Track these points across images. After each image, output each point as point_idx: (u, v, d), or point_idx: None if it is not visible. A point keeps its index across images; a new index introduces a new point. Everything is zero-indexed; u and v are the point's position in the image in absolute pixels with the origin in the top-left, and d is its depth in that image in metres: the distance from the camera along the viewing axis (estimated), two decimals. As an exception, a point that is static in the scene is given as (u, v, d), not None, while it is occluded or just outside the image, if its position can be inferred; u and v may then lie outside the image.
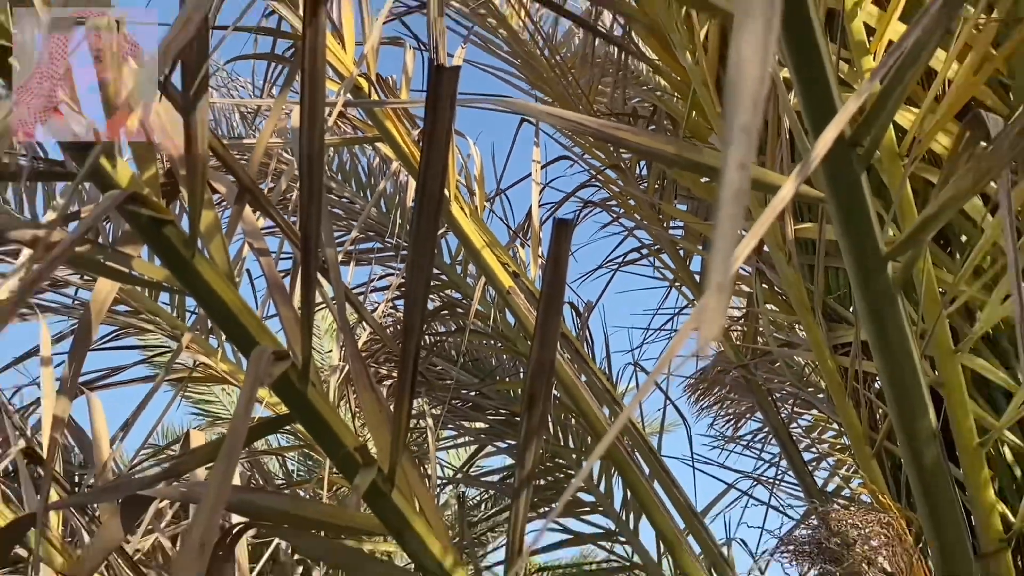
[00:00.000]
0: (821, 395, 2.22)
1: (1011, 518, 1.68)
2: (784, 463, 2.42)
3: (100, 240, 1.39)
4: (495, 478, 3.20)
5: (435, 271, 2.39)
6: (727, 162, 0.37)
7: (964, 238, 1.77)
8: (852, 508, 1.60)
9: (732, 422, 2.76)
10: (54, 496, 1.49)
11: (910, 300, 1.70)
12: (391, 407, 0.94)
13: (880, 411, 1.81)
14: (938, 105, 1.63)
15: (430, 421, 2.44)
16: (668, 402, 2.46)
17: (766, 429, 2.55)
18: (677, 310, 2.88)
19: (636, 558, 2.65)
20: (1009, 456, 1.78)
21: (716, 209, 0.39)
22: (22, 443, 1.40)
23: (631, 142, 0.95)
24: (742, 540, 2.46)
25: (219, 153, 0.95)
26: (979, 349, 1.71)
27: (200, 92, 0.85)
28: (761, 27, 0.44)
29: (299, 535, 1.03)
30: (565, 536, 2.79)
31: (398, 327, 2.82)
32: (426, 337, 2.60)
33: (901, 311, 1.07)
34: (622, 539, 2.59)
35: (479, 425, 2.81)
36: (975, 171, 1.07)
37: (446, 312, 2.75)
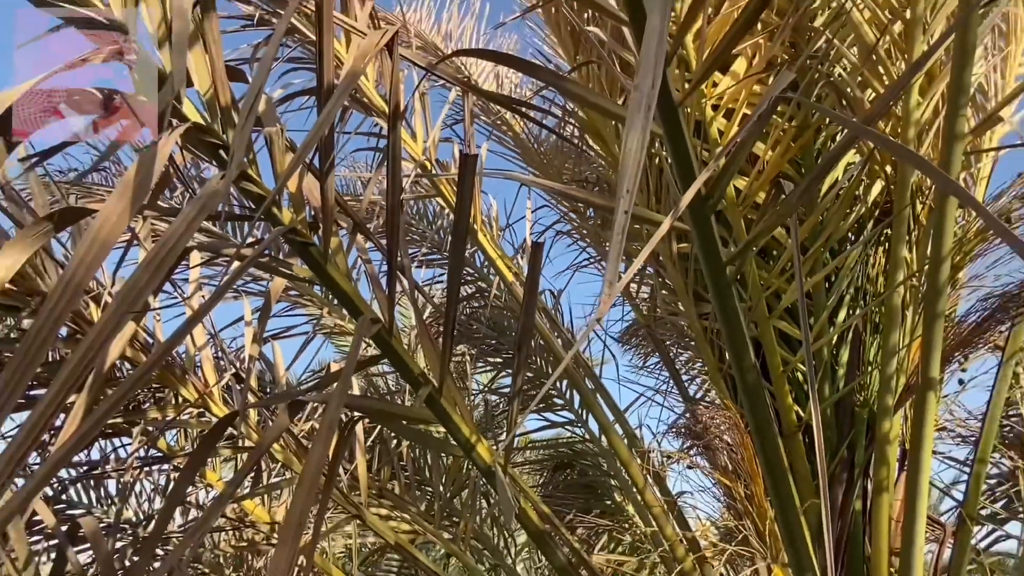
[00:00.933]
0: (692, 342, 2.43)
1: (802, 414, 1.84)
2: (671, 382, 2.65)
3: (275, 254, 1.47)
4: (506, 391, 3.56)
5: (468, 271, 2.85)
6: (616, 210, 0.51)
7: (775, 252, 1.91)
8: (709, 408, 1.67)
9: (642, 358, 3.06)
10: (252, 400, 1.56)
11: (742, 287, 1.86)
12: (440, 347, 0.99)
13: (725, 351, 1.97)
14: (759, 175, 1.77)
15: (467, 358, 2.72)
16: (605, 346, 2.76)
17: (661, 362, 2.81)
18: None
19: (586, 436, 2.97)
20: (800, 377, 1.92)
21: (611, 237, 0.52)
22: (232, 370, 1.46)
23: (579, 197, 1.07)
24: (648, 426, 2.76)
25: (341, 204, 1.02)
26: (783, 316, 1.84)
27: (329, 169, 0.92)
28: (639, 131, 0.58)
29: (390, 423, 1.09)
30: (545, 423, 3.20)
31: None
32: (462, 308, 3.01)
33: (734, 294, 1.11)
34: (578, 425, 2.98)
35: (496, 360, 3.21)
36: (778, 214, 1.19)
37: (476, 294, 3.19)
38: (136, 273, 0.66)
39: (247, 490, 1.90)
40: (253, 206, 0.93)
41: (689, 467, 1.81)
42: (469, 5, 3.26)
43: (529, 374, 3.19)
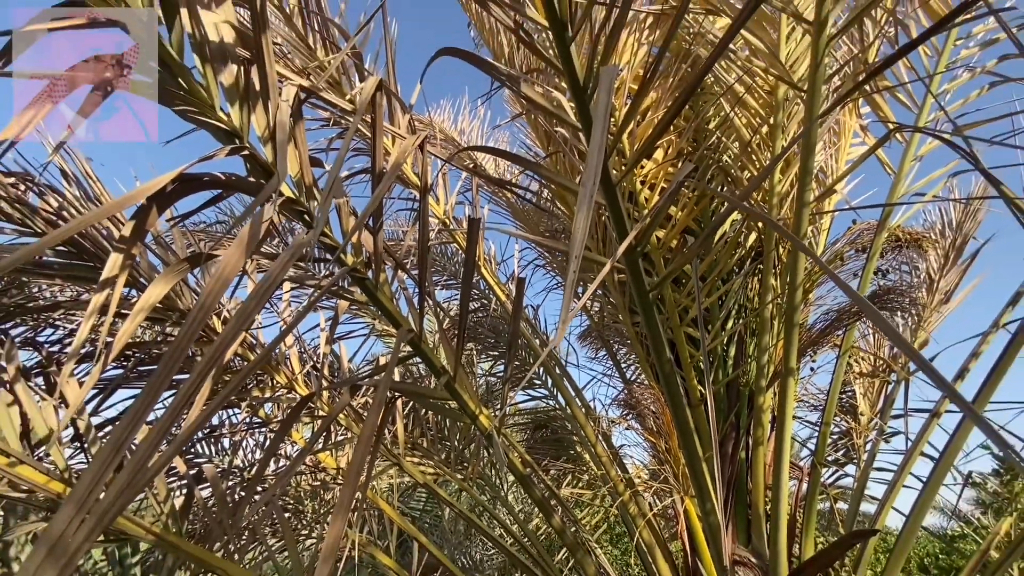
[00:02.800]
0: (628, 342, 2.41)
1: (703, 391, 1.84)
2: (615, 368, 2.59)
3: (342, 284, 1.46)
4: (501, 375, 3.50)
5: (475, 292, 2.67)
6: (569, 266, 0.51)
7: (684, 280, 1.93)
8: (640, 387, 1.67)
9: (595, 351, 3.03)
10: (324, 384, 1.51)
11: (662, 304, 1.88)
12: (454, 347, 0.98)
13: (650, 349, 1.96)
14: (672, 228, 1.80)
15: (474, 352, 2.67)
16: (569, 344, 2.72)
17: (607, 354, 2.77)
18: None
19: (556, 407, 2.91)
20: (702, 366, 1.89)
21: (567, 273, 0.53)
22: (311, 362, 1.44)
23: (547, 244, 1.09)
24: (599, 399, 2.68)
25: (387, 250, 1.05)
26: (689, 324, 1.86)
27: (379, 228, 0.93)
28: (586, 206, 0.58)
29: (419, 399, 1.08)
30: (527, 397, 3.11)
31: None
32: (471, 317, 2.95)
33: (655, 311, 1.11)
34: (551, 399, 2.90)
35: (494, 353, 3.15)
36: (685, 257, 1.21)
37: (480, 308, 3.11)
38: (248, 299, 0.67)
39: (320, 446, 1.89)
40: (328, 253, 0.96)
41: (626, 428, 1.80)
42: (476, 111, 3.32)
43: (517, 363, 3.21)
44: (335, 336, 1.67)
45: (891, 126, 1.72)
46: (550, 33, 0.84)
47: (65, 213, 1.58)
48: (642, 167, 1.90)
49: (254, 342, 1.61)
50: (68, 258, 1.55)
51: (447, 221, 1.86)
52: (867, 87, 1.64)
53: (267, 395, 1.67)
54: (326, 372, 1.50)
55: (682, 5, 0.81)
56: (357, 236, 0.91)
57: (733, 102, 1.74)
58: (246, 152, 0.81)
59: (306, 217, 0.87)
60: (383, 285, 0.95)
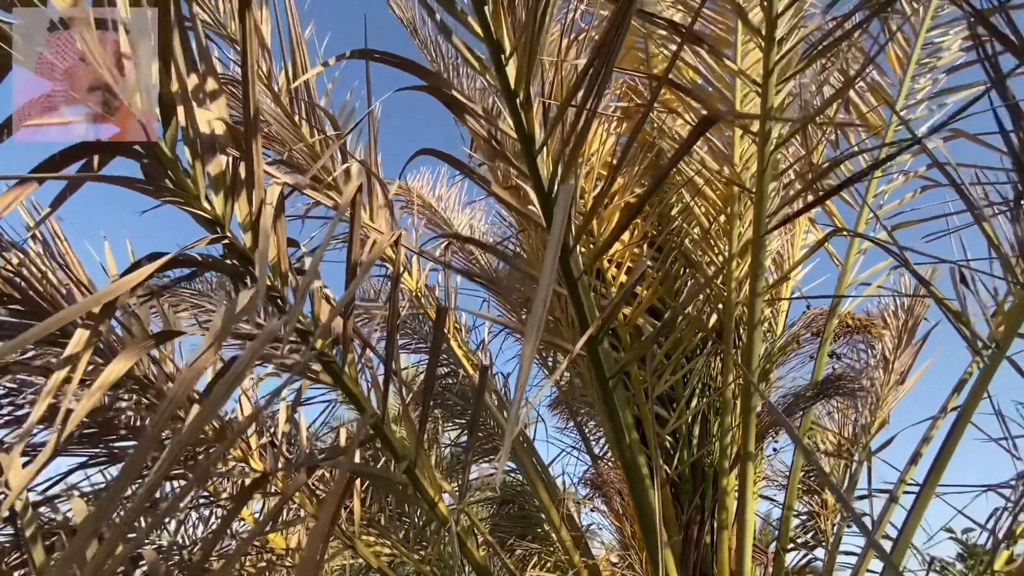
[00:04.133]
0: (598, 417, 2.42)
1: (669, 471, 1.87)
2: (582, 443, 2.57)
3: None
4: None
5: (445, 358, 2.55)
6: (523, 353, 0.56)
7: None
8: (607, 465, 1.69)
9: (564, 422, 2.99)
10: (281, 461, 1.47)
11: (630, 380, 1.91)
12: (417, 425, 0.99)
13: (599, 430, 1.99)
14: (638, 307, 1.89)
15: (440, 419, 2.59)
16: (539, 415, 2.64)
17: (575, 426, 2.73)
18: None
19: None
20: (669, 445, 1.92)
21: (523, 351, 0.57)
22: (268, 436, 1.41)
23: (512, 327, 1.15)
24: (568, 474, 2.61)
25: (357, 333, 1.07)
26: (655, 402, 1.89)
27: (349, 314, 0.98)
28: (535, 330, 0.63)
29: (377, 483, 1.08)
30: (494, 471, 2.99)
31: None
32: (440, 381, 2.77)
33: (614, 397, 1.19)
34: (519, 474, 2.73)
35: (461, 420, 3.05)
36: (643, 345, 1.30)
37: (450, 373, 2.95)
38: (218, 388, 0.71)
39: (270, 525, 1.83)
40: (300, 337, 1.00)
41: (592, 510, 1.81)
42: (453, 179, 3.49)
43: (482, 433, 3.18)
44: (297, 400, 1.66)
45: (835, 223, 1.90)
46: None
47: (25, 271, 1.59)
48: (609, 247, 2.04)
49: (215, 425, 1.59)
50: (21, 317, 1.54)
51: (419, 294, 1.93)
52: (814, 186, 1.83)
53: (219, 468, 1.63)
54: (284, 445, 1.48)
55: (646, 107, 0.94)
56: (328, 318, 0.96)
57: (693, 192, 1.91)
58: (227, 241, 0.87)
59: (279, 302, 0.92)
60: (349, 366, 0.99)
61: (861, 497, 2.59)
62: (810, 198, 2.03)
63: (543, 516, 3.09)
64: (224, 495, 1.90)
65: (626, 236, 2.06)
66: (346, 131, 1.86)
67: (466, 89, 2.15)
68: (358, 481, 1.78)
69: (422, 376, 3.30)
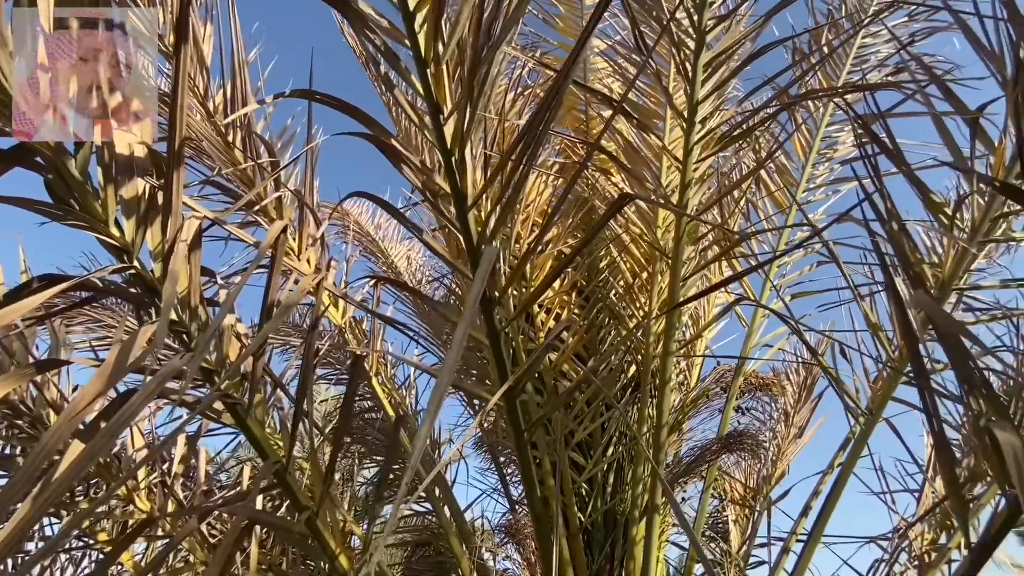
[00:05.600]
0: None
1: (583, 519, 1.85)
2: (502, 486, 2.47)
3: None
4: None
5: (368, 391, 2.37)
6: (436, 388, 0.56)
7: (571, 404, 2.04)
8: (520, 509, 1.68)
9: (488, 463, 2.84)
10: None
11: (551, 425, 1.93)
12: (324, 474, 0.96)
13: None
14: (563, 354, 1.93)
15: (358, 456, 2.40)
16: (461, 455, 2.53)
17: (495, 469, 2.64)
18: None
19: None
20: (584, 492, 1.92)
21: (432, 398, 0.58)
22: (159, 474, 1.30)
23: (431, 370, 1.13)
24: (485, 518, 2.50)
25: (268, 373, 1.02)
26: (574, 449, 1.92)
27: (259, 355, 0.94)
28: (445, 378, 0.64)
29: (278, 532, 1.02)
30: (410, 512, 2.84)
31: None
32: (359, 416, 2.56)
33: (528, 449, 1.19)
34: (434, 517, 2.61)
35: (379, 458, 2.86)
36: (562, 397, 1.34)
37: (374, 408, 2.76)
38: (104, 430, 0.66)
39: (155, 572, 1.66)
40: (205, 377, 0.95)
41: (504, 558, 1.80)
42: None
43: (399, 472, 3.08)
44: (197, 435, 1.54)
45: (743, 288, 2.08)
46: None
47: None
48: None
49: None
50: None
51: (344, 328, 1.88)
52: (728, 254, 2.00)
53: (98, 508, 1.48)
54: (178, 483, 1.37)
55: (580, 165, 1.00)
56: (237, 356, 0.92)
57: (619, 248, 2.03)
58: (133, 271, 0.83)
59: (185, 336, 0.88)
60: (256, 408, 0.95)
61: (761, 545, 2.74)
62: (724, 266, 2.21)
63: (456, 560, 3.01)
64: (103, 536, 1.71)
65: (557, 284, 2.14)
66: (286, 155, 1.83)
67: (413, 134, 2.19)
68: (257, 531, 1.67)
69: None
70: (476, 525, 2.49)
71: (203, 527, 1.41)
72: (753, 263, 2.02)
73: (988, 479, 1.74)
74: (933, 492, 2.49)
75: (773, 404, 3.00)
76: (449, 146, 0.93)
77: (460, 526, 1.95)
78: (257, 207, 1.43)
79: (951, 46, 2.30)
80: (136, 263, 0.84)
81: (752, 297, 1.85)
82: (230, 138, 1.73)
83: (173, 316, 0.85)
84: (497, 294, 1.07)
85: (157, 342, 0.66)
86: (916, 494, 2.52)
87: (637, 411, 2.12)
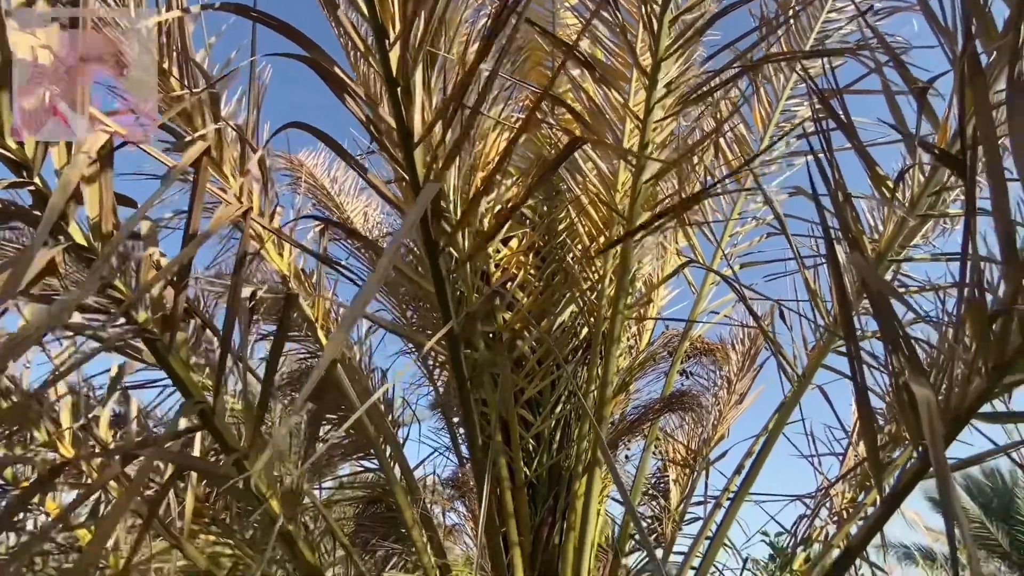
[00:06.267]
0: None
1: (528, 474, 1.88)
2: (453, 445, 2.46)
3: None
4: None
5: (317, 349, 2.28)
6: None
7: (523, 362, 2.04)
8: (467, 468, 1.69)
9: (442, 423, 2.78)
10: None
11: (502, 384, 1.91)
12: (255, 416, 0.91)
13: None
14: (517, 313, 1.92)
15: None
16: (414, 413, 2.51)
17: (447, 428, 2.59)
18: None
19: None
20: (531, 447, 1.95)
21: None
22: (84, 418, 1.22)
23: (383, 321, 1.09)
24: (437, 475, 2.48)
25: (191, 308, 0.95)
26: (523, 406, 1.91)
27: (182, 287, 0.88)
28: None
29: (206, 476, 0.97)
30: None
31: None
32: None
33: (471, 398, 1.18)
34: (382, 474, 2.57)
35: (332, 417, 2.75)
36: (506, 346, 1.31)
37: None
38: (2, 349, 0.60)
39: (84, 520, 1.59)
40: (118, 307, 0.87)
41: (450, 510, 1.82)
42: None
43: (353, 430, 3.04)
44: (128, 385, 1.45)
45: (696, 255, 2.11)
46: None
47: None
48: (497, 251, 2.07)
49: (11, 386, 1.35)
50: None
51: (288, 275, 1.80)
52: (682, 219, 2.02)
53: (17, 452, 1.39)
54: (104, 430, 1.30)
55: (531, 113, 0.95)
56: (160, 290, 0.85)
57: (578, 210, 2.01)
58: (33, 188, 0.74)
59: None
60: (180, 347, 0.89)
61: (697, 503, 2.88)
62: (680, 238, 2.23)
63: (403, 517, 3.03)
64: (22, 486, 1.62)
65: (515, 243, 2.11)
66: (227, 89, 1.69)
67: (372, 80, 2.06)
68: (195, 475, 1.61)
69: (294, 368, 3.08)
70: (428, 482, 2.50)
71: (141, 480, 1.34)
72: (708, 231, 2.04)
73: (905, 442, 1.87)
74: (856, 455, 2.67)
75: (717, 372, 3.12)
76: (395, 74, 0.87)
77: (409, 482, 1.96)
78: (189, 140, 1.32)
79: (910, 26, 2.34)
80: (37, 180, 0.76)
81: (702, 261, 1.88)
82: (165, 65, 1.58)
83: (82, 242, 0.78)
84: (450, 248, 1.03)
85: (33, 259, 0.60)
86: (841, 457, 2.70)
87: (586, 371, 2.15)
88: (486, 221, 1.97)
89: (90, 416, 1.30)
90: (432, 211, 0.89)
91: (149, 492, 1.66)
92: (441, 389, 2.67)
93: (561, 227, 2.14)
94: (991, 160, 0.77)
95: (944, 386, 0.98)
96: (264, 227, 1.19)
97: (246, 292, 1.05)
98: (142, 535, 1.02)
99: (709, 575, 2.02)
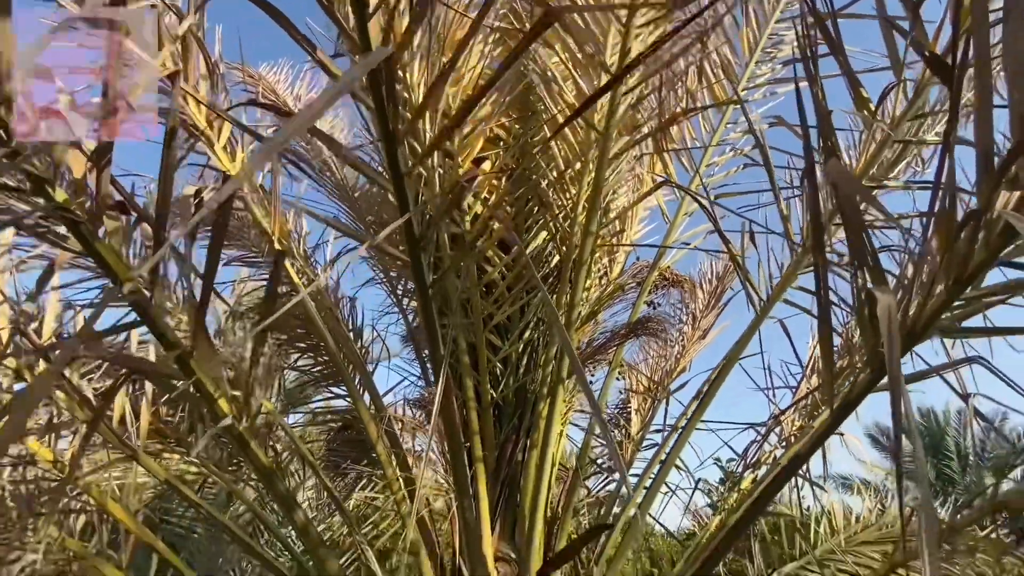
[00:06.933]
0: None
1: (494, 395, 1.86)
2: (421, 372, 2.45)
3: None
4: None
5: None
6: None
7: (494, 289, 2.00)
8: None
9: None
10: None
11: (471, 310, 1.89)
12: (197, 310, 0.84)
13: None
14: (490, 238, 1.84)
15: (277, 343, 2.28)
16: (383, 343, 2.47)
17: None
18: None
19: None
20: (498, 370, 1.95)
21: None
22: (11, 324, 1.13)
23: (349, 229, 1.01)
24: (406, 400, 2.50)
25: (120, 190, 0.85)
26: (491, 331, 1.91)
27: (105, 164, 0.78)
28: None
29: (149, 377, 0.93)
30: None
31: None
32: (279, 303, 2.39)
33: (433, 306, 1.14)
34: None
35: (301, 344, 2.74)
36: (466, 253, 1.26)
37: (290, 292, 2.58)
38: None
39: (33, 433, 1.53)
40: (36, 188, 0.77)
41: (414, 428, 1.82)
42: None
43: (326, 357, 3.01)
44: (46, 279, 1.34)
45: (672, 183, 2.06)
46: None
47: None
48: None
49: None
50: None
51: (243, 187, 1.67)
52: (660, 145, 1.95)
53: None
54: (48, 329, 1.21)
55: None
56: (83, 172, 0.76)
57: (553, 130, 1.91)
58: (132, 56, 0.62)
59: (1, 134, 0.70)
60: (112, 235, 0.80)
61: (657, 431, 3.00)
62: (658, 168, 2.16)
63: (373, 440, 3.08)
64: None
65: (488, 166, 2.01)
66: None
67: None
68: (151, 390, 1.56)
69: (257, 293, 2.98)
70: (396, 407, 2.51)
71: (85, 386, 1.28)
72: (685, 158, 1.99)
73: (857, 369, 1.94)
74: (808, 387, 2.79)
75: (684, 309, 3.17)
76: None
77: (377, 405, 1.95)
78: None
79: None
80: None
81: (674, 183, 1.83)
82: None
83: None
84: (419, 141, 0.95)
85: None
86: (794, 390, 2.82)
87: (556, 298, 2.14)
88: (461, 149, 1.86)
89: (27, 322, 1.21)
90: (388, 93, 0.80)
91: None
92: (411, 316, 2.64)
93: (536, 151, 2.05)
94: (980, 54, 0.72)
95: (904, 301, 0.98)
96: (196, 98, 1.07)
97: (191, 191, 0.96)
98: (86, 439, 0.97)
99: (661, 492, 2.12)
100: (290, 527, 2.93)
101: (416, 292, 1.07)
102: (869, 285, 0.87)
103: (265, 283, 2.79)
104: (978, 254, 0.91)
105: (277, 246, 1.81)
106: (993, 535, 2.29)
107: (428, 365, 2.77)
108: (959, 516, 2.10)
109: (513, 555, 1.72)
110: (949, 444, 9.42)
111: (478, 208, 1.98)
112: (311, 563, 1.69)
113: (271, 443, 2.49)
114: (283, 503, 1.21)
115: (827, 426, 1.06)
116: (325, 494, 3.30)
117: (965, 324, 1.02)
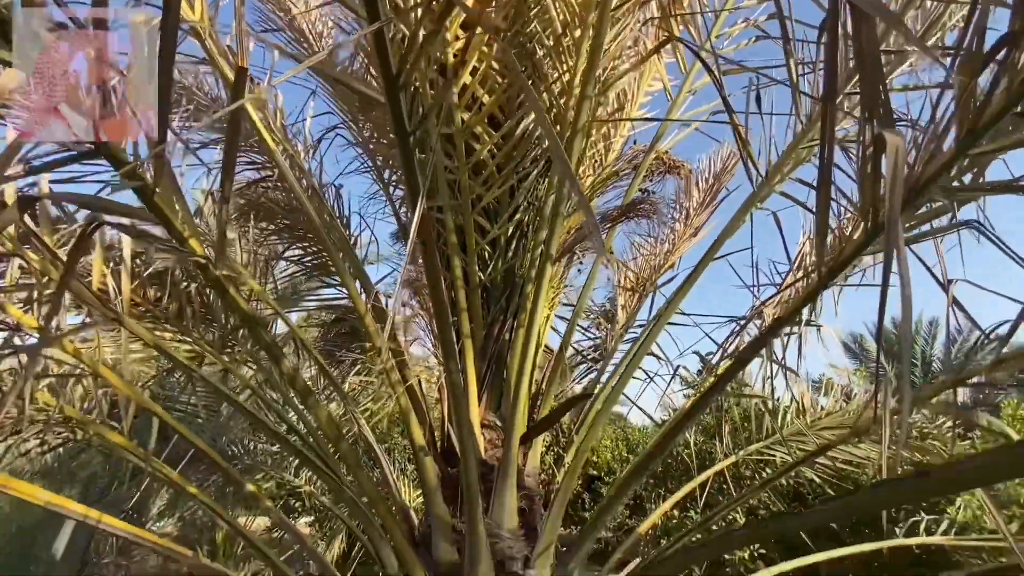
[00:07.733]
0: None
1: (482, 276, 1.82)
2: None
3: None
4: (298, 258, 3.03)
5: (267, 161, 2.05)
6: None
7: (483, 170, 1.91)
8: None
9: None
10: None
11: (460, 192, 1.80)
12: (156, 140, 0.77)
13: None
14: (480, 112, 1.71)
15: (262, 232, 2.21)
16: (373, 234, 2.42)
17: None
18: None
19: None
20: (487, 253, 1.92)
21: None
22: None
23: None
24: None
25: None
26: (480, 213, 1.85)
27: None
28: None
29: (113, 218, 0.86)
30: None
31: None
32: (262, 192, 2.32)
33: (414, 155, 1.06)
34: (346, 296, 2.57)
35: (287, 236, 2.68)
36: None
37: (272, 176, 2.48)
38: None
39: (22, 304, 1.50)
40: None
41: (404, 305, 1.82)
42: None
43: (317, 248, 2.96)
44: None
45: (678, 55, 1.90)
46: None
47: None
48: (458, 38, 1.79)
49: None
50: None
51: (200, 31, 1.50)
52: (667, 8, 1.77)
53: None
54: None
55: None
56: None
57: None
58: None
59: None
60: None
61: (640, 325, 3.07)
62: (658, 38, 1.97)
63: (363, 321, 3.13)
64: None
65: (477, 32, 1.82)
66: None
67: None
68: (135, 257, 1.51)
69: (241, 188, 2.84)
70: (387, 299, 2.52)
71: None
72: (694, 28, 1.81)
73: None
74: (794, 278, 2.81)
75: (678, 207, 3.10)
76: None
77: (366, 288, 1.92)
78: None
79: None
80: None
81: (678, 38, 1.68)
82: None
83: None
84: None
85: None
86: (780, 288, 2.85)
87: (547, 182, 2.06)
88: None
89: None
90: None
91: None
92: (399, 204, 2.55)
93: (532, 12, 1.85)
94: None
95: (912, 157, 0.93)
96: None
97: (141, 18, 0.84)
98: (59, 292, 0.93)
99: (641, 380, 2.19)
100: (284, 404, 3.05)
101: (398, 143, 0.98)
102: (879, 130, 0.81)
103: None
104: (997, 101, 0.84)
105: (269, 140, 1.68)
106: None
107: (417, 252, 2.73)
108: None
109: (498, 423, 1.80)
110: (916, 352, 9.94)
111: (467, 78, 1.83)
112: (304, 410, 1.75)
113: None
114: (269, 352, 1.22)
115: (812, 289, 1.05)
116: (323, 381, 3.43)
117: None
